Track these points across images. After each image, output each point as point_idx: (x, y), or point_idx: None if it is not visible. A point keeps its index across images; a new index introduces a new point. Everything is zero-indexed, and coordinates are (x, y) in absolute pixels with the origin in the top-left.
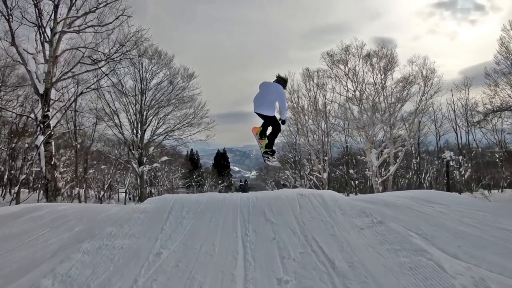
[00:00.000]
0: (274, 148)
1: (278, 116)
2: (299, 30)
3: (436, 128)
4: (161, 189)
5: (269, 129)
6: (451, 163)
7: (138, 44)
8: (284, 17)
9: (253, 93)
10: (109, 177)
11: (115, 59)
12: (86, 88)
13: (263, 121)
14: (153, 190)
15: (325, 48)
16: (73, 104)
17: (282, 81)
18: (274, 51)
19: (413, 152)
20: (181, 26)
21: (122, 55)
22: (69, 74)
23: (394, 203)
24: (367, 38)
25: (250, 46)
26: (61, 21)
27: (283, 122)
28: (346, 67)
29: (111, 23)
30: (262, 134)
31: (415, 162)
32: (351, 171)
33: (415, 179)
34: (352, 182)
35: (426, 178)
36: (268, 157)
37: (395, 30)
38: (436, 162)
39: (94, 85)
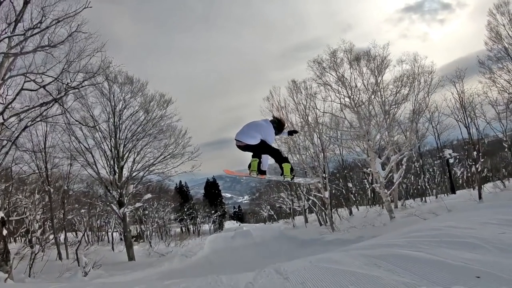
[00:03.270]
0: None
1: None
2: (275, 51)
3: (433, 127)
4: (151, 227)
5: (264, 159)
6: (451, 161)
7: (104, 69)
8: (258, 40)
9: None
10: (96, 218)
11: (76, 87)
12: (31, 121)
13: (252, 153)
14: (143, 228)
15: (302, 65)
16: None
17: (276, 123)
18: (253, 75)
19: (414, 155)
20: (156, 59)
21: (85, 82)
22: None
23: None
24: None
25: (228, 72)
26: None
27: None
28: (338, 72)
29: (63, 42)
30: (259, 167)
31: (417, 166)
32: (349, 184)
33: (413, 180)
34: (352, 196)
35: (425, 180)
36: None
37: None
38: (437, 161)
39: (41, 117)
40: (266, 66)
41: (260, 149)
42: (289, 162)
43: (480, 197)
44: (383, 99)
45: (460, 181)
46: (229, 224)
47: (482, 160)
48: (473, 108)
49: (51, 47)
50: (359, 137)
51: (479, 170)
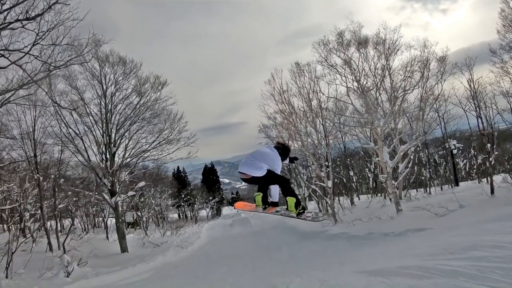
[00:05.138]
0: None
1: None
2: (275, 37)
3: (439, 116)
4: (148, 214)
5: (273, 189)
6: (454, 152)
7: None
8: (258, 27)
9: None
10: (92, 204)
11: (59, 66)
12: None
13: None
14: (140, 214)
15: (302, 52)
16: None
17: (281, 149)
18: (252, 61)
19: (419, 144)
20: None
21: (72, 59)
22: None
23: None
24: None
25: (227, 58)
26: None
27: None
28: (345, 54)
29: (41, 14)
30: (265, 202)
31: (422, 156)
32: (350, 173)
33: (415, 170)
34: (353, 185)
35: (430, 170)
36: (308, 217)
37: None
38: (441, 152)
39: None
40: (265, 52)
41: (267, 180)
42: (295, 195)
43: (492, 192)
44: (393, 84)
45: (463, 173)
46: (227, 210)
47: (496, 153)
48: (483, 98)
49: (27, 19)
50: (365, 124)
51: (492, 163)
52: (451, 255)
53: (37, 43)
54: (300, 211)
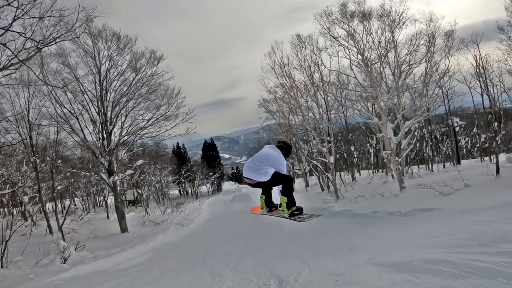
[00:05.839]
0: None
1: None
2: (274, 12)
3: (443, 93)
4: (149, 191)
5: (276, 192)
6: (456, 129)
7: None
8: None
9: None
10: (92, 183)
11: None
12: None
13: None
14: (141, 191)
15: (302, 26)
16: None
17: (284, 149)
18: (251, 35)
19: (422, 121)
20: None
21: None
22: None
23: None
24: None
25: (226, 33)
26: None
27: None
28: (349, 26)
29: None
30: (268, 204)
31: (425, 132)
32: (351, 148)
33: (417, 146)
34: (354, 160)
35: (432, 147)
36: (299, 218)
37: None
38: (443, 129)
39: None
40: (264, 26)
41: (272, 183)
42: (290, 196)
43: (497, 172)
44: (398, 58)
45: (464, 151)
46: (227, 185)
47: (503, 132)
48: (490, 75)
49: None
50: (369, 98)
51: (498, 142)
52: (481, 247)
53: (18, 18)
54: (295, 212)
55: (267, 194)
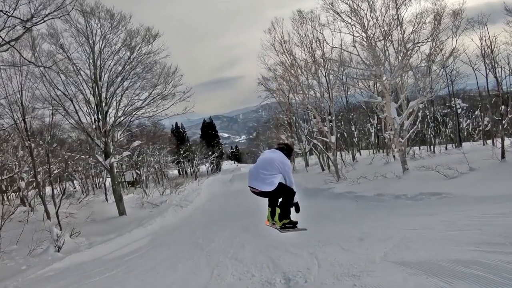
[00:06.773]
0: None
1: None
2: None
3: (447, 73)
4: (148, 172)
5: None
6: (459, 111)
7: None
8: None
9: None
10: (91, 166)
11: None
12: None
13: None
14: (140, 172)
15: (302, 4)
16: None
17: (285, 150)
18: (250, 13)
19: (425, 102)
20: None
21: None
22: None
23: None
24: None
25: (224, 12)
26: None
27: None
28: (353, 1)
29: None
30: (273, 217)
31: (428, 113)
32: (352, 128)
33: (419, 127)
34: (355, 140)
35: (435, 129)
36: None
37: None
38: (445, 110)
39: None
40: (263, 4)
41: (276, 193)
42: (286, 210)
43: (503, 156)
44: (403, 35)
45: (465, 133)
46: (226, 164)
47: (510, 116)
48: (496, 57)
49: None
50: (371, 76)
51: (505, 126)
52: None
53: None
54: (287, 226)
55: (272, 206)
